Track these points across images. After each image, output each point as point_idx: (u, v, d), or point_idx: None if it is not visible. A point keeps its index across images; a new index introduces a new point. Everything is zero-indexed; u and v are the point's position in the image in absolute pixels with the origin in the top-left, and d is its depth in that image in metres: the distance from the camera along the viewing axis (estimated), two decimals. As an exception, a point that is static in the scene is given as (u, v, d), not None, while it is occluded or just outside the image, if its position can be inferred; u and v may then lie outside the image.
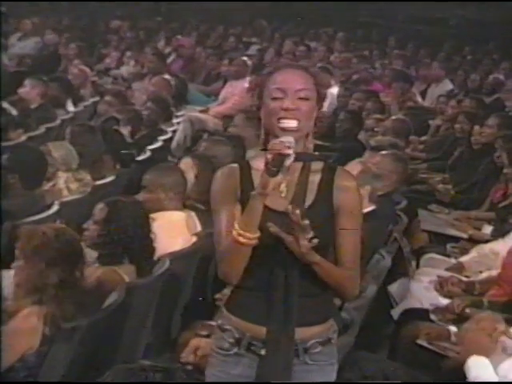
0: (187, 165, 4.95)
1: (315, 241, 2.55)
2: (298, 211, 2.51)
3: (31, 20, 14.64)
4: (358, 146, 6.84)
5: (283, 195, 2.62)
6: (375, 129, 7.37)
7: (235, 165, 2.77)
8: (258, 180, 2.64)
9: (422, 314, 4.63)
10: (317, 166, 2.73)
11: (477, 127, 7.45)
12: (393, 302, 4.98)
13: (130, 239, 3.88)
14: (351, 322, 3.67)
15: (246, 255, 2.64)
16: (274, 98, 2.67)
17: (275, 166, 2.50)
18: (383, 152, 5.56)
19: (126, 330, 3.93)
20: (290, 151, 2.50)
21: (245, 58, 10.26)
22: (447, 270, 5.35)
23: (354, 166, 5.06)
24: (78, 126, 6.01)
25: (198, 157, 5.05)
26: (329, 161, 2.83)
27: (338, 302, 3.80)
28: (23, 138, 6.61)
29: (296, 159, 2.54)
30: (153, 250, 4.09)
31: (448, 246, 5.93)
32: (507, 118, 7.39)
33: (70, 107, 8.28)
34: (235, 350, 2.73)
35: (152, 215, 4.53)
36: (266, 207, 2.61)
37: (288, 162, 2.51)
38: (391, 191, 5.40)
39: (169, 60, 13.30)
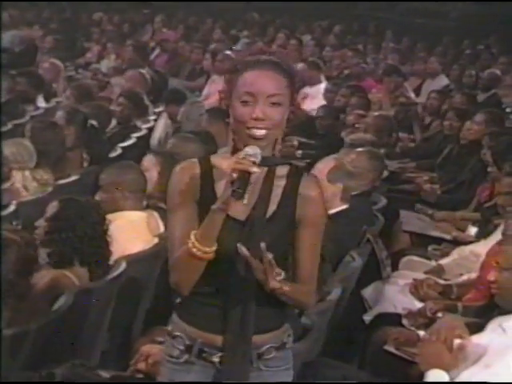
0: (150, 162, 4.94)
1: (283, 275, 2.53)
2: (269, 256, 2.48)
3: (8, 12, 14.63)
4: (340, 142, 6.83)
5: (245, 202, 2.56)
6: (356, 125, 7.36)
7: (195, 160, 2.72)
8: (218, 180, 2.63)
9: (394, 319, 4.62)
10: (282, 170, 2.69)
11: (467, 124, 7.43)
12: (367, 307, 4.98)
13: (79, 239, 3.88)
14: (311, 326, 3.65)
15: (200, 268, 2.62)
16: (244, 102, 2.59)
17: (240, 187, 2.48)
18: (359, 149, 5.54)
19: (77, 336, 3.92)
20: (256, 169, 2.49)
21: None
22: (426, 272, 5.34)
23: (328, 163, 5.06)
24: (38, 123, 5.97)
25: (161, 154, 5.03)
26: (294, 164, 2.78)
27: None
28: (-12, 134, 6.59)
29: (261, 164, 2.53)
30: (108, 253, 4.07)
31: (430, 247, 5.92)
32: (495, 115, 7.36)
33: (41, 103, 8.25)
34: (185, 357, 2.72)
35: (110, 215, 4.52)
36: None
37: (254, 177, 2.51)
38: (367, 190, 5.39)
39: (154, 54, 13.33)
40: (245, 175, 2.48)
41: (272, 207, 2.66)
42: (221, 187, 2.60)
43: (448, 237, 6.09)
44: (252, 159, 2.50)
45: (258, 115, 2.57)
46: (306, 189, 2.70)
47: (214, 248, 2.59)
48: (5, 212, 4.87)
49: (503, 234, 4.62)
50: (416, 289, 4.89)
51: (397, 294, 4.90)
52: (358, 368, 4.36)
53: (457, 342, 3.41)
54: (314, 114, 8.27)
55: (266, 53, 2.73)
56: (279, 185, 2.68)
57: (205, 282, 2.65)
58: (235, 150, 2.63)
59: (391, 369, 4.11)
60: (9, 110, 7.41)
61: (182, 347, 2.72)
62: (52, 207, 3.96)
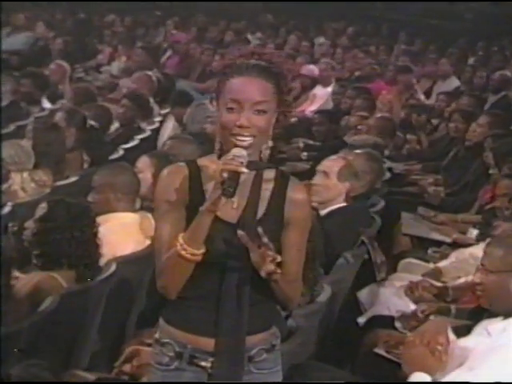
0: (144, 164, 4.96)
1: (279, 258, 2.55)
2: (266, 239, 2.51)
3: (24, 14, 14.71)
4: (343, 144, 6.82)
5: (235, 206, 2.58)
6: (358, 127, 7.36)
7: (182, 164, 2.74)
8: (206, 182, 2.65)
9: (388, 322, 4.61)
10: (269, 174, 2.73)
11: (472, 126, 7.41)
12: (362, 309, 4.97)
13: (66, 241, 3.89)
14: (296, 329, 3.65)
15: (188, 270, 2.63)
16: (229, 109, 2.60)
17: (230, 185, 2.51)
18: (357, 151, 5.55)
19: (66, 337, 3.94)
20: (245, 169, 2.52)
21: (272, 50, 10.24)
22: (424, 275, 5.31)
23: (337, 161, 5.09)
24: (39, 124, 5.99)
25: (155, 155, 5.04)
26: (280, 169, 2.81)
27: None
28: (-10, 136, 6.61)
29: (248, 167, 2.55)
30: (97, 255, 4.08)
31: (430, 250, 5.90)
32: (499, 117, 7.33)
33: (46, 104, 8.28)
34: (176, 364, 2.71)
35: (103, 217, 4.55)
36: (215, 217, 2.59)
37: (243, 178, 2.53)
38: (365, 192, 5.38)
39: (165, 56, 13.38)
40: (234, 175, 2.51)
41: (261, 209, 2.70)
42: (210, 190, 2.62)
43: (448, 239, 6.08)
44: (240, 160, 2.53)
45: (242, 123, 2.59)
46: (294, 192, 2.74)
47: (203, 250, 2.60)
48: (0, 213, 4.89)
49: (491, 235, 4.60)
50: (411, 291, 4.87)
51: (391, 297, 4.88)
52: (350, 371, 4.35)
53: (441, 347, 3.38)
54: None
55: (257, 54, 2.70)
56: (267, 188, 2.72)
57: (195, 285, 2.66)
58: (222, 153, 2.64)
59: (381, 371, 4.10)
60: (12, 111, 7.44)
61: (171, 354, 2.71)
62: (41, 208, 3.97)
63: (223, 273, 2.65)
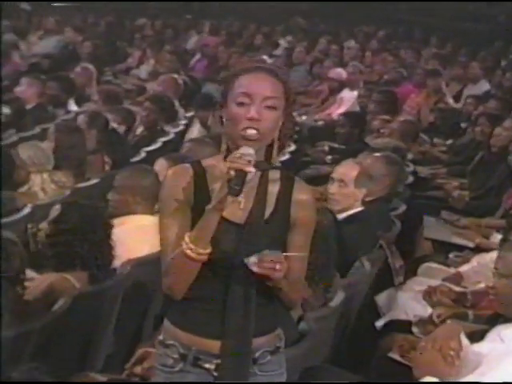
0: (161, 166, 4.95)
1: (285, 265, 2.56)
2: (266, 251, 2.52)
3: (54, 18, 14.84)
4: (365, 148, 6.78)
5: (241, 206, 2.59)
6: (381, 130, 7.32)
7: (187, 165, 2.73)
8: (212, 183, 2.64)
9: (405, 326, 4.57)
10: (274, 175, 2.73)
11: (498, 129, 7.34)
12: (380, 313, 4.93)
13: (79, 243, 3.90)
14: (308, 332, 3.63)
15: (194, 270, 2.62)
16: (239, 104, 2.61)
17: (237, 184, 2.50)
18: (376, 154, 5.51)
19: (78, 339, 3.95)
20: (252, 168, 2.51)
21: (265, 57, 10.26)
22: (444, 280, 5.26)
23: (352, 167, 5.05)
24: (60, 126, 6.03)
25: (173, 158, 5.03)
26: (285, 170, 2.82)
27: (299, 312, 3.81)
28: (14, 138, 6.67)
29: (254, 167, 2.54)
30: (110, 257, 4.08)
31: (451, 255, 5.84)
32: (524, 120, 7.25)
33: (73, 107, 8.33)
34: (180, 366, 2.71)
35: (119, 219, 4.56)
36: (222, 218, 2.59)
37: (250, 176, 2.52)
38: (384, 195, 5.34)
39: (194, 59, 13.43)
40: (241, 174, 2.50)
41: (268, 210, 2.69)
42: (215, 190, 2.61)
43: (471, 244, 6.02)
44: (247, 158, 2.52)
45: (253, 115, 2.59)
46: (300, 194, 2.75)
47: (209, 250, 2.59)
48: (20, 215, 4.92)
49: (504, 239, 4.54)
50: (429, 296, 4.83)
51: (409, 301, 4.84)
52: (365, 375, 4.31)
53: (453, 352, 3.35)
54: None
55: (262, 63, 2.80)
56: (273, 189, 2.72)
57: (201, 286, 2.65)
58: (228, 153, 2.63)
59: (395, 376, 4.06)
60: (38, 113, 7.50)
61: (176, 356, 2.70)
62: (54, 210, 3.99)
63: (230, 274, 2.64)
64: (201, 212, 2.60)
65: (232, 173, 2.50)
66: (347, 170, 4.98)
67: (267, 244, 2.60)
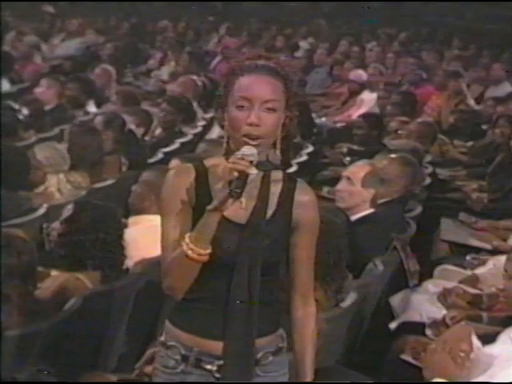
0: (175, 167, 4.97)
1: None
2: None
3: (77, 20, 14.92)
4: (381, 149, 6.77)
5: (243, 206, 2.58)
6: (399, 131, 7.30)
7: (189, 165, 2.72)
8: (214, 183, 2.62)
9: (419, 328, 4.55)
10: (276, 175, 2.72)
11: (518, 131, 7.32)
12: (395, 315, 4.91)
13: (90, 243, 3.91)
14: (317, 333, 3.61)
15: (194, 271, 2.61)
16: (239, 107, 2.58)
17: (238, 186, 2.49)
18: (391, 155, 5.50)
19: (89, 339, 3.96)
20: (254, 170, 2.50)
21: (283, 58, 10.24)
22: (461, 282, 5.24)
23: (362, 167, 5.05)
24: (76, 127, 6.06)
25: (187, 158, 5.03)
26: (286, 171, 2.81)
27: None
28: (33, 139, 6.71)
29: (256, 168, 2.53)
30: (122, 257, 4.10)
31: (468, 257, 5.81)
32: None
33: (92, 108, 8.37)
34: (182, 367, 2.69)
35: (133, 218, 4.60)
36: (223, 218, 2.59)
37: (252, 177, 2.52)
38: (399, 197, 5.32)
39: (215, 61, 13.45)
40: (243, 175, 2.49)
41: (270, 210, 2.68)
42: (215, 191, 2.59)
43: (488, 246, 5.98)
44: (250, 159, 2.51)
45: (253, 120, 2.56)
46: (302, 194, 2.73)
47: (209, 250, 2.58)
48: (34, 215, 4.95)
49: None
50: (444, 297, 4.81)
51: (424, 303, 4.81)
52: (376, 376, 4.30)
53: (463, 353, 3.33)
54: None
55: (264, 58, 2.70)
56: (276, 189, 2.70)
57: (203, 287, 2.64)
58: (230, 153, 2.62)
59: (407, 378, 4.05)
60: (57, 114, 7.54)
61: (177, 357, 2.68)
62: (67, 210, 4.02)
63: (231, 274, 2.62)
64: (202, 212, 2.58)
65: (235, 174, 2.49)
66: (356, 168, 5.00)
67: (269, 244, 2.60)
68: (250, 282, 2.62)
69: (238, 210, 2.60)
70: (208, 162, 2.70)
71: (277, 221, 2.67)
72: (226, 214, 2.58)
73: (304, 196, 2.73)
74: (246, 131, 2.57)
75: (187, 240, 2.56)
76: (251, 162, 2.51)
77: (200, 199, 2.64)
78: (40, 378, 3.00)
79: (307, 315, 2.80)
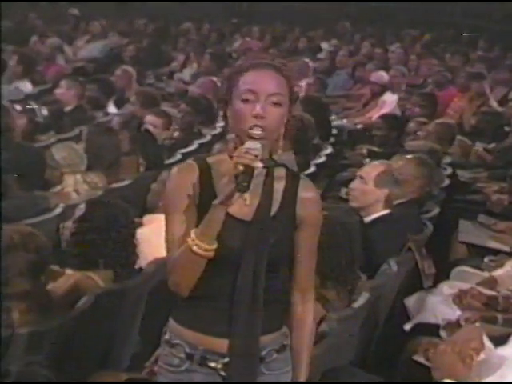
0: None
1: None
2: None
3: (100, 22, 14.99)
4: (401, 150, 6.74)
5: (247, 202, 2.61)
6: (418, 132, 7.27)
7: (193, 162, 2.74)
8: (217, 179, 2.64)
9: (434, 330, 4.53)
10: (279, 172, 2.73)
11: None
12: (410, 316, 4.89)
13: (103, 242, 3.92)
14: (329, 332, 3.62)
15: (200, 267, 2.62)
16: (245, 100, 2.60)
17: (245, 180, 2.51)
18: (408, 156, 5.48)
19: (101, 337, 3.98)
20: (260, 164, 2.52)
21: (306, 60, 10.26)
22: (478, 284, 5.21)
23: (376, 167, 5.04)
24: (94, 127, 6.09)
25: (201, 159, 5.06)
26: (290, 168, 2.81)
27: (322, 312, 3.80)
28: (53, 139, 6.75)
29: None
30: (134, 256, 4.11)
31: (486, 259, 5.77)
32: None
33: (112, 109, 8.40)
34: (186, 365, 2.69)
35: (148, 217, 4.63)
36: (227, 215, 2.60)
37: (257, 172, 2.54)
38: (415, 198, 5.30)
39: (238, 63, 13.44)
40: (248, 169, 2.51)
41: (275, 207, 2.69)
42: (220, 187, 2.61)
43: (507, 248, 5.94)
44: (255, 153, 2.52)
45: (258, 112, 2.58)
46: (305, 191, 2.75)
47: (215, 246, 2.59)
48: (50, 214, 4.98)
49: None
50: (459, 299, 4.78)
51: (439, 305, 4.79)
52: (389, 377, 4.29)
53: (472, 354, 3.32)
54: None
55: (269, 58, 2.74)
56: (279, 186, 2.72)
57: (207, 284, 2.65)
58: (233, 149, 2.63)
59: (420, 379, 4.03)
60: (77, 115, 7.57)
61: (182, 355, 2.69)
62: (79, 209, 4.04)
63: (236, 271, 2.63)
64: (206, 208, 2.59)
65: (240, 168, 2.50)
66: (369, 168, 5.01)
67: (274, 240, 2.62)
68: (255, 280, 2.63)
69: (242, 207, 2.62)
70: (211, 159, 2.72)
71: (281, 217, 2.69)
72: (230, 210, 2.60)
73: (307, 192, 2.74)
74: (251, 123, 2.58)
75: (193, 235, 2.58)
76: (256, 156, 2.52)
77: (204, 196, 2.65)
78: (33, 369, 2.99)
79: (306, 311, 2.80)
